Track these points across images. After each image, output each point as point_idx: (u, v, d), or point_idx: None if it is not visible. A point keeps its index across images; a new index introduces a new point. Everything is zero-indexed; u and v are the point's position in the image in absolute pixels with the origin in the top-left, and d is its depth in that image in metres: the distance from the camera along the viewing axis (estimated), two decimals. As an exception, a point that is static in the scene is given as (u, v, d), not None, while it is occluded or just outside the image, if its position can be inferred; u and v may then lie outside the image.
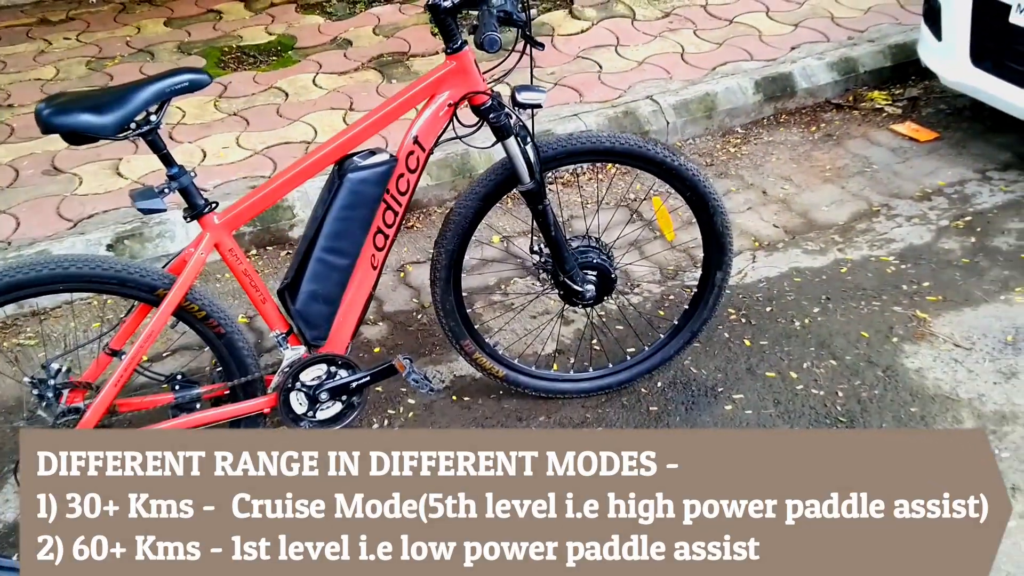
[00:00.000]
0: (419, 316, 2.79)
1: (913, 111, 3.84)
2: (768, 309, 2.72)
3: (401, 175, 1.96)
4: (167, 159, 1.78)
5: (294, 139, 3.48)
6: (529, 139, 2.00)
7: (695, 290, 2.38)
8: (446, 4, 1.83)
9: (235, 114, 3.70)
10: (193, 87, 1.74)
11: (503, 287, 2.90)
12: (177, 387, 1.98)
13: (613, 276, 2.24)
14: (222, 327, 1.90)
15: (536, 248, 2.25)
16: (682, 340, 2.41)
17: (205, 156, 3.39)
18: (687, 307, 2.41)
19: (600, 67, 4.00)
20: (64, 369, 1.88)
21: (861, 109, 3.87)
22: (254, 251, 3.10)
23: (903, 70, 4.06)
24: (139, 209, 1.75)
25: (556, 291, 2.26)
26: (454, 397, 2.47)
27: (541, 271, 2.28)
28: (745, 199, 3.30)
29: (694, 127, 3.69)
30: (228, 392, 1.99)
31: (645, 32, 4.31)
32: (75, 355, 2.23)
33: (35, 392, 1.84)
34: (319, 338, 1.99)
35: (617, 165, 3.34)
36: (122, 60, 4.29)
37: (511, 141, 1.98)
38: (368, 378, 2.04)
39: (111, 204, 3.13)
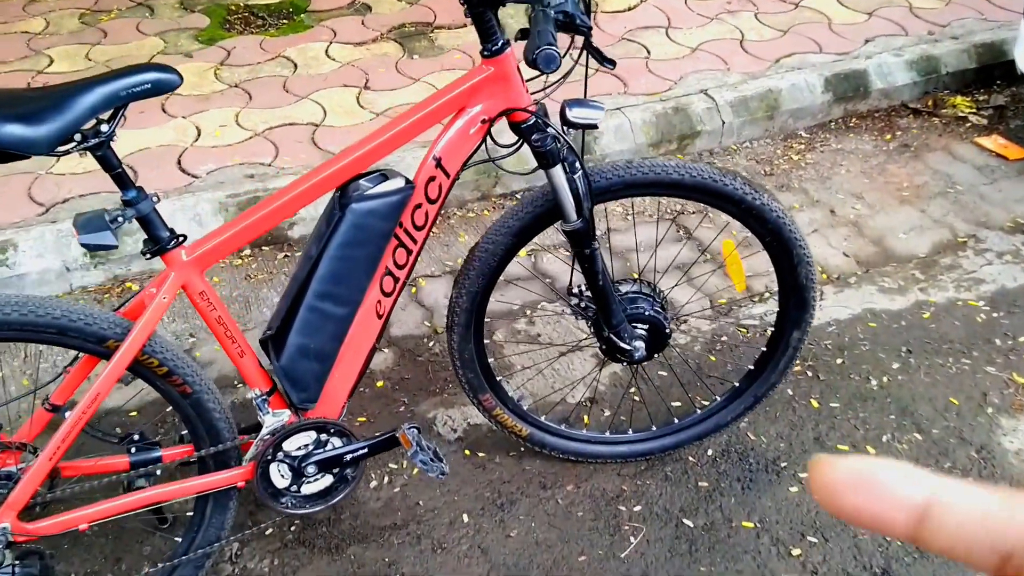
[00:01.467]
0: (430, 343, 2.41)
1: (999, 122, 3.40)
2: (839, 361, 2.33)
3: (418, 206, 1.57)
4: (122, 180, 1.39)
5: (300, 120, 3.08)
6: (579, 166, 1.61)
7: (764, 349, 1.99)
8: (485, -9, 1.42)
9: (237, 85, 3.29)
10: (157, 90, 1.35)
11: (528, 313, 2.52)
12: (133, 449, 1.62)
13: (667, 331, 1.85)
14: (189, 386, 1.53)
15: (576, 290, 1.87)
16: (743, 405, 2.02)
17: (200, 135, 3.00)
18: (752, 368, 2.02)
19: (648, 52, 3.56)
20: (-9, 427, 1.52)
21: (942, 116, 3.43)
22: (248, 251, 2.72)
23: (987, 73, 3.61)
24: (83, 244, 1.37)
25: (597, 343, 1.88)
26: (467, 452, 2.10)
27: (580, 317, 1.89)
28: (810, 219, 2.88)
29: (752, 128, 3.26)
30: (194, 456, 1.64)
31: (700, 13, 3.86)
32: (33, 390, 1.87)
33: (-47, 455, 1.49)
34: (308, 401, 1.62)
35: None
36: (119, 15, 3.88)
37: (557, 170, 1.59)
38: (366, 450, 1.67)
39: (90, 187, 2.76)
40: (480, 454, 2.10)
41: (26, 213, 2.64)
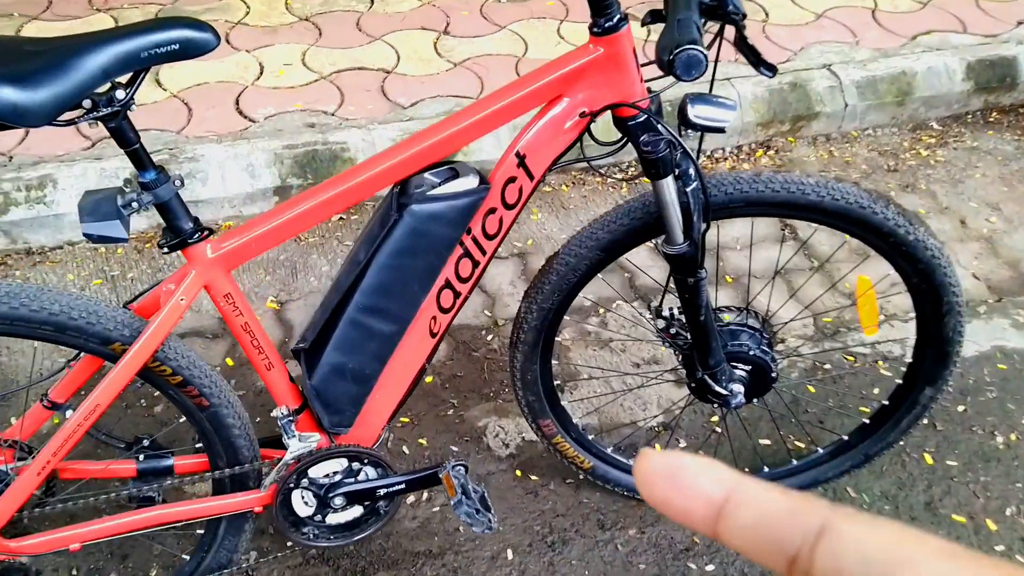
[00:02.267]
0: (489, 337, 2.15)
1: None
2: (961, 409, 2.00)
3: (492, 210, 1.29)
4: (139, 158, 1.14)
5: (370, 64, 2.79)
6: (695, 177, 1.30)
7: (885, 403, 1.68)
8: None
9: (308, 19, 3.01)
10: (186, 52, 1.08)
11: (600, 312, 2.23)
12: (142, 456, 1.41)
13: (774, 375, 1.55)
14: (205, 399, 1.30)
15: (668, 312, 1.57)
16: (849, 463, 1.73)
17: (262, 72, 2.74)
18: (867, 422, 1.71)
19: (766, 15, 3.16)
20: (-19, 421, 1.32)
21: (1099, 118, 2.97)
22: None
23: None
24: (85, 234, 1.13)
25: (686, 379, 1.59)
26: (518, 472, 1.86)
27: (667, 344, 1.60)
28: (937, 228, 2.51)
29: (878, 114, 2.87)
30: (208, 471, 1.42)
31: (828, -26, 3.41)
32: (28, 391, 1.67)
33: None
34: (341, 425, 1.38)
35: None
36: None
37: (668, 183, 1.28)
38: (403, 486, 1.44)
39: (143, 122, 2.53)
40: (533, 477, 1.85)
41: (70, 146, 2.44)
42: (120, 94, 1.08)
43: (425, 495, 1.81)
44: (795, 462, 1.77)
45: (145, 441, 1.42)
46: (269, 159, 2.39)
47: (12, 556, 1.29)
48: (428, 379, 2.04)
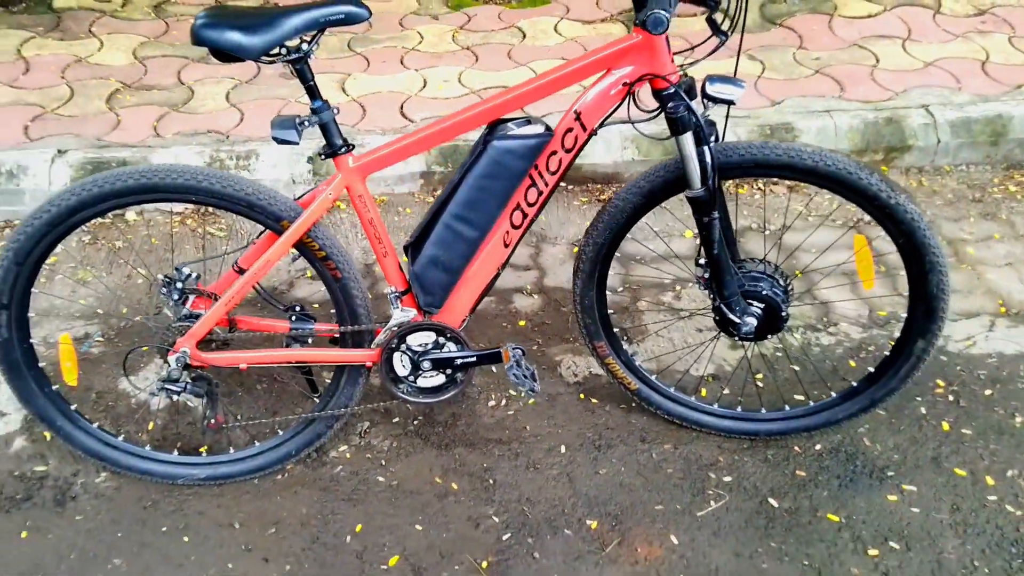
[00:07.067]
0: (580, 298, 2.59)
1: None
2: (987, 392, 2.22)
3: (553, 152, 1.75)
4: (312, 91, 1.70)
5: (512, 84, 3.34)
6: (712, 138, 1.71)
7: (887, 353, 1.97)
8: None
9: (468, 48, 3.62)
10: (349, 20, 1.63)
11: (677, 289, 2.62)
12: (294, 318, 1.96)
13: (783, 314, 1.90)
14: (339, 271, 1.84)
15: (704, 261, 1.96)
16: (856, 407, 2.02)
17: (425, 85, 3.36)
18: (872, 370, 2.01)
19: (876, 61, 3.46)
20: (194, 275, 1.91)
21: None
22: (443, 191, 3.03)
23: None
24: (272, 138, 1.70)
25: (712, 315, 1.96)
26: (582, 395, 2.27)
27: (703, 287, 1.98)
28: (1007, 251, 2.71)
29: (971, 152, 3.09)
30: (339, 336, 1.94)
31: (947, 29, 3.66)
32: (225, 261, 2.28)
33: (163, 291, 1.89)
34: (433, 305, 1.87)
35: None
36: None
37: (686, 138, 1.70)
38: (474, 359, 1.90)
39: (328, 117, 3.19)
40: (593, 400, 2.25)
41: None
42: (305, 46, 1.64)
43: (504, 402, 2.25)
44: (812, 404, 2.08)
45: (297, 307, 1.96)
46: (421, 149, 2.97)
47: (203, 365, 1.86)
48: (521, 323, 2.50)
